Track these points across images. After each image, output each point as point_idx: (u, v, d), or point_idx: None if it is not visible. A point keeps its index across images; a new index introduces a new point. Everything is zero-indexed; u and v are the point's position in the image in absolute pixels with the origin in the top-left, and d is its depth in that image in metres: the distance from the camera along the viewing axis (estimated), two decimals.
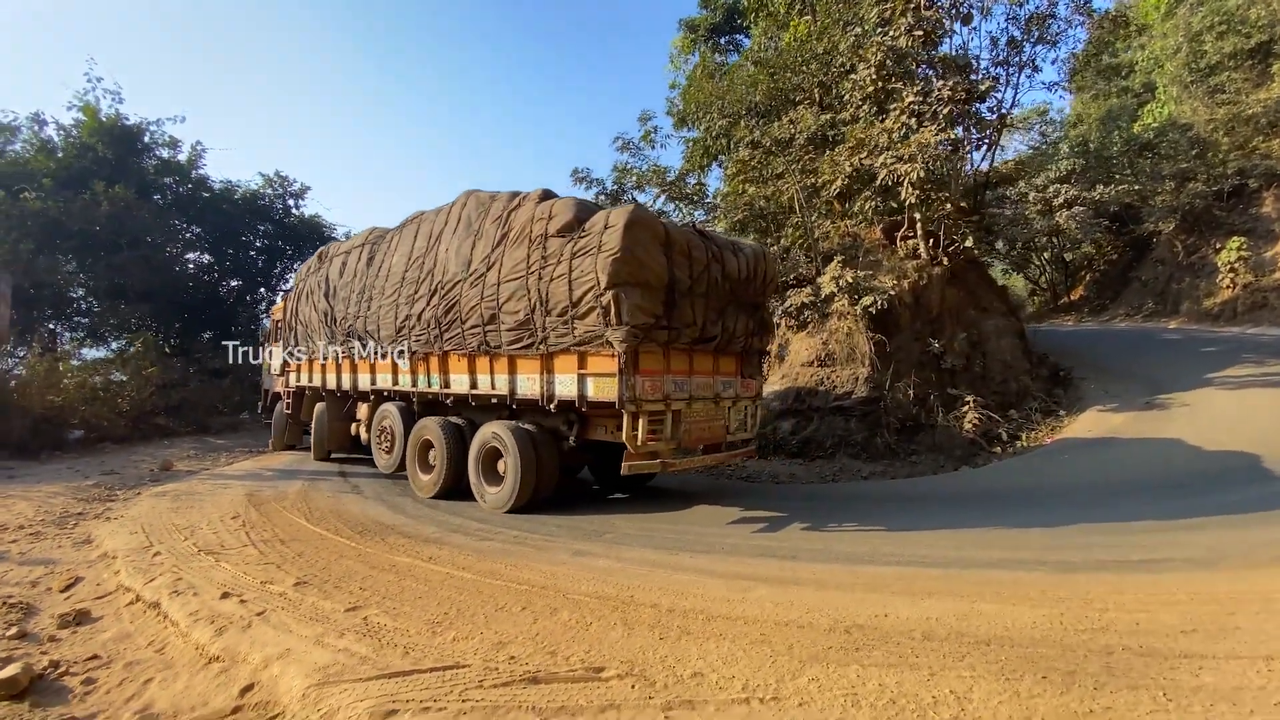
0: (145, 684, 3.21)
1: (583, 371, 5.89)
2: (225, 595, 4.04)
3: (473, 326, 6.84)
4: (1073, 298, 25.56)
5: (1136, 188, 17.54)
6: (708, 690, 2.65)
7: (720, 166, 15.55)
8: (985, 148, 11.97)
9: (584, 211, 5.98)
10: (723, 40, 21.08)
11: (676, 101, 15.96)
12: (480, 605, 3.79)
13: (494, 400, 6.88)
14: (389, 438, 8.63)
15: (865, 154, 10.04)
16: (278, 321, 11.98)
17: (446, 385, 7.52)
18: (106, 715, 2.96)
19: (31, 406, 10.14)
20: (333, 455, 10.59)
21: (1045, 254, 26.31)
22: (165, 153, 17.90)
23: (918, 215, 10.67)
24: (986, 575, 4.06)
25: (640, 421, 5.72)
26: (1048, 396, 10.90)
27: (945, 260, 10.94)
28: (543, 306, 6.05)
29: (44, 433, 10.29)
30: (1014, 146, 26.38)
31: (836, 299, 10.55)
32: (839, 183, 10.48)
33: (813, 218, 12.17)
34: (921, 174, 9.09)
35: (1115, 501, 6.18)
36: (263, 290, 21.12)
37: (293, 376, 11.11)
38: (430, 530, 5.84)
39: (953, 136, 9.29)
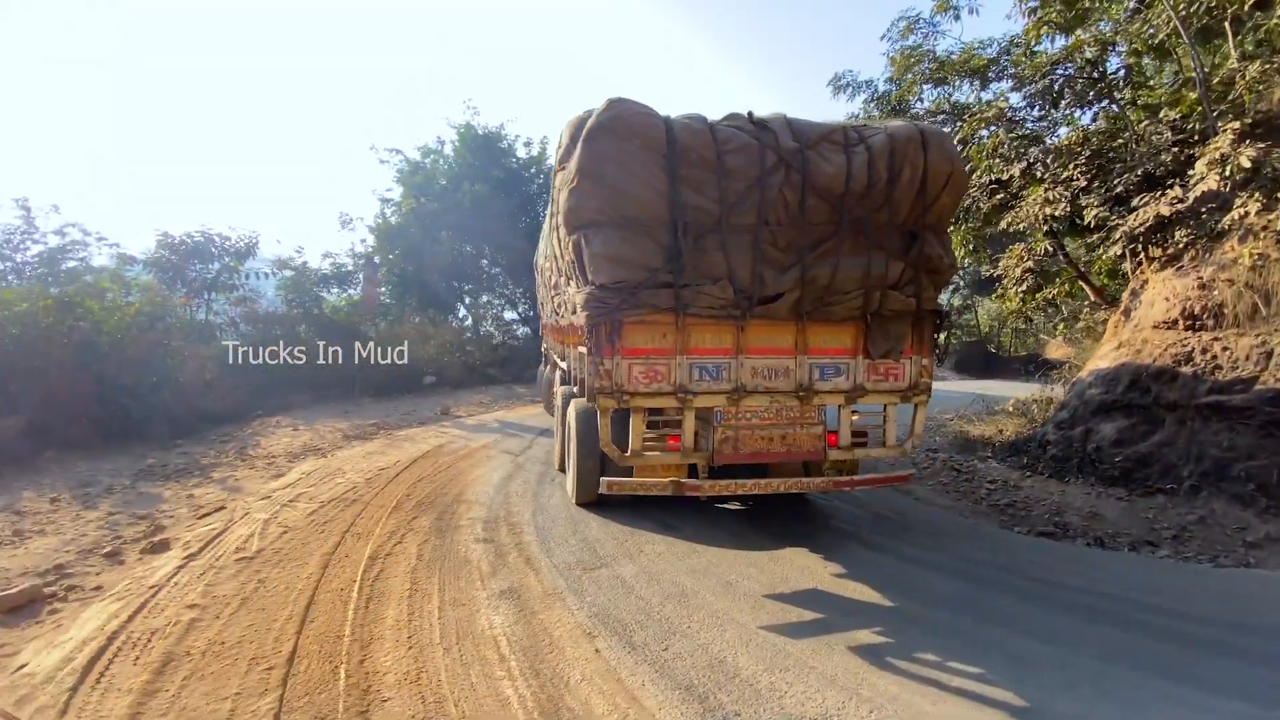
0: (70, 621, 3.65)
1: (580, 348, 4.42)
2: (188, 558, 4.40)
3: (550, 292, 5.97)
4: None
5: None
6: None
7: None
8: None
9: (581, 128, 4.35)
10: None
11: None
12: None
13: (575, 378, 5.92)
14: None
15: None
16: None
17: (563, 357, 6.88)
18: (14, 647, 3.44)
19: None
20: None
21: None
22: (523, 151, 21.68)
23: None
24: None
25: (633, 422, 3.98)
26: None
27: None
28: (556, 264, 4.75)
29: (403, 378, 13.84)
30: None
31: (1237, 204, 5.63)
32: None
33: (1214, 59, 6.73)
34: None
35: None
36: None
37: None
38: (476, 513, 5.42)
39: None
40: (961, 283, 26.82)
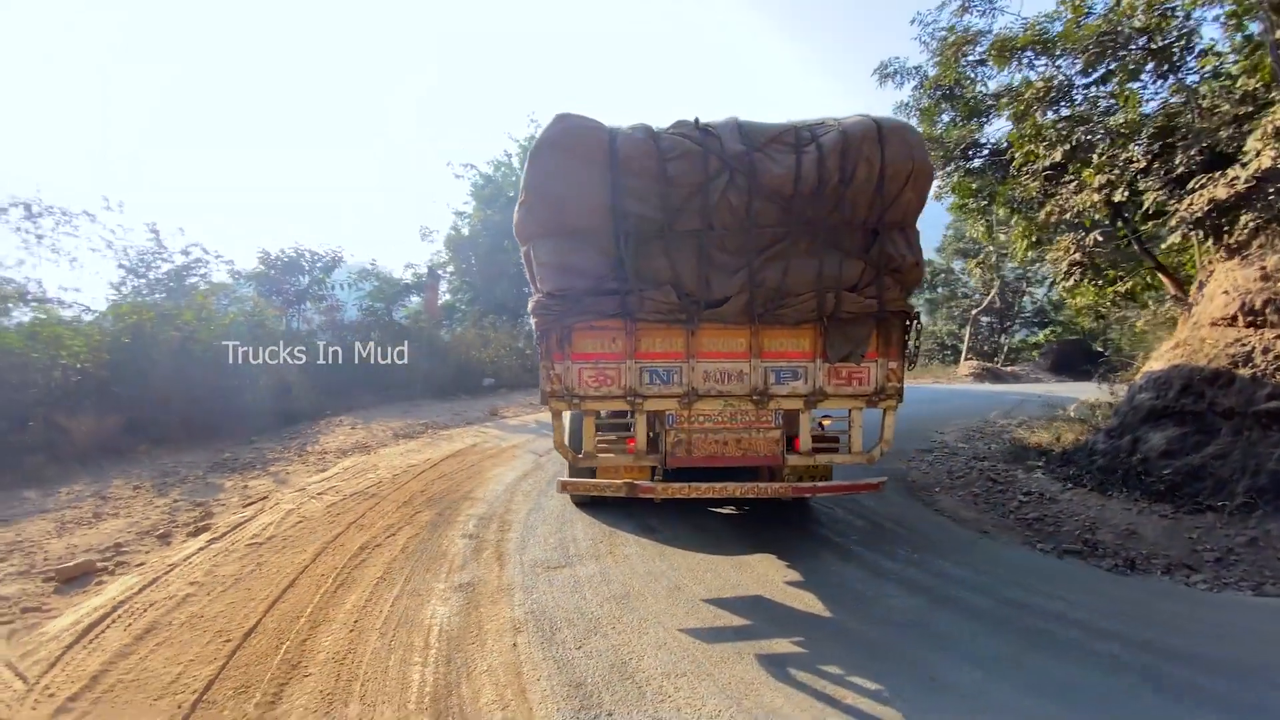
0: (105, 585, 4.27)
1: None
2: (201, 546, 4.97)
3: None
4: None
5: None
6: None
7: None
8: None
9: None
10: None
11: None
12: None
13: None
14: None
15: None
16: None
17: None
18: (58, 611, 4.08)
19: (453, 361, 14.54)
20: None
21: None
22: None
23: None
24: None
25: (585, 425, 4.10)
26: None
27: None
28: None
29: (463, 380, 14.64)
30: None
31: None
32: None
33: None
34: None
35: None
36: None
37: None
38: (477, 509, 5.73)
39: None
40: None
